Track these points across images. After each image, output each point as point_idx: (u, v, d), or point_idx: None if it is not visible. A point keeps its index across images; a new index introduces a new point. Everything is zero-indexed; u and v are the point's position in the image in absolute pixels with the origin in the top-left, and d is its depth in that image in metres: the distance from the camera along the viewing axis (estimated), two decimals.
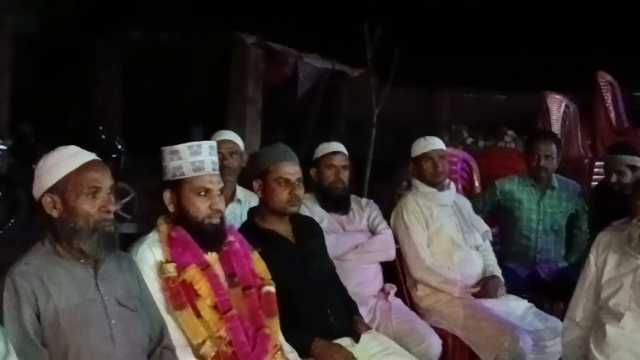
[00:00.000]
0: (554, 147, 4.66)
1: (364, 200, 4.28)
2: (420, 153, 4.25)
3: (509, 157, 7.01)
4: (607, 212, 4.45)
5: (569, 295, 3.04)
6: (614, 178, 4.46)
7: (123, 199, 7.76)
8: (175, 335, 2.61)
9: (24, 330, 2.23)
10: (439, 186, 4.24)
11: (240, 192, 4.18)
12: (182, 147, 2.75)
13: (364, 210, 4.15)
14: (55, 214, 2.38)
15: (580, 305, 2.89)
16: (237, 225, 3.23)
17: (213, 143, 2.85)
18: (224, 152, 4.10)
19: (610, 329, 2.66)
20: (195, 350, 2.61)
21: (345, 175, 4.02)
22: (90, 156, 2.44)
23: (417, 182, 4.29)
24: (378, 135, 7.12)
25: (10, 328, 2.20)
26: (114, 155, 8.58)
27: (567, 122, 8.22)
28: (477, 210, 4.53)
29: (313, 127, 11.49)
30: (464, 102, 11.23)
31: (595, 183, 6.20)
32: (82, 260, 2.39)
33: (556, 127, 8.00)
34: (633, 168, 4.42)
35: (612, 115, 8.33)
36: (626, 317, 2.64)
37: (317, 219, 3.69)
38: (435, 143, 4.25)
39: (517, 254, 4.71)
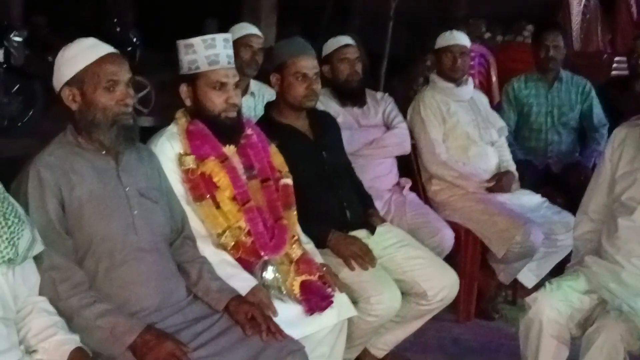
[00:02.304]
0: (560, 37, 4.70)
1: (379, 94, 4.26)
2: (442, 46, 4.21)
3: (528, 52, 6.91)
4: (621, 107, 4.56)
5: (581, 190, 3.06)
6: None
7: (139, 92, 7.74)
8: (195, 225, 2.66)
9: (49, 219, 2.27)
10: (457, 82, 4.22)
11: (254, 85, 4.17)
12: (197, 41, 2.72)
13: (379, 105, 4.14)
14: (74, 106, 2.38)
15: (593, 200, 2.92)
16: (254, 119, 3.25)
17: (228, 36, 2.81)
18: (255, 47, 4.07)
19: (622, 222, 2.70)
20: (215, 240, 2.67)
21: (359, 68, 3.99)
22: (108, 49, 2.41)
23: (435, 77, 4.27)
24: (394, 30, 7.00)
25: (36, 217, 2.24)
26: (128, 48, 8.52)
27: (587, 17, 8.05)
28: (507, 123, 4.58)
29: (328, 21, 11.30)
30: None
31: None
32: (103, 152, 2.41)
33: (576, 22, 7.86)
34: None
35: (634, 9, 8.13)
36: (638, 210, 2.67)
37: (332, 114, 3.69)
38: (459, 38, 4.21)
39: (529, 149, 4.73)
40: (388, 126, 4.09)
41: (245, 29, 4.15)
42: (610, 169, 2.83)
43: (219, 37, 2.74)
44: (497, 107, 4.96)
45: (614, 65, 6.44)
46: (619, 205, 2.75)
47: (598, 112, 4.72)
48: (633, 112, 4.53)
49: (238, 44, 3.86)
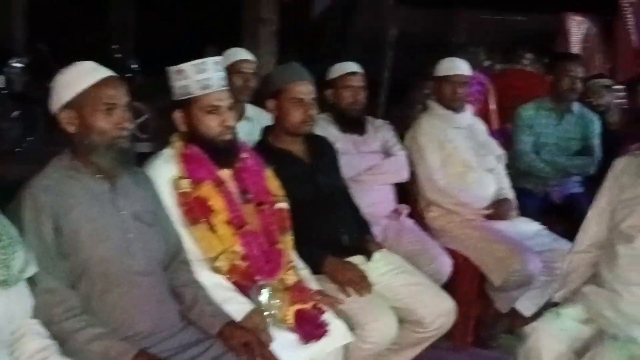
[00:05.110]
0: (581, 68, 4.66)
1: (378, 122, 4.25)
2: (443, 74, 4.20)
3: (527, 79, 6.93)
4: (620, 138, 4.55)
5: (579, 219, 3.04)
6: None
7: (138, 118, 7.75)
8: (191, 249, 2.65)
9: (44, 242, 2.27)
10: (456, 110, 4.22)
11: (251, 109, 4.16)
12: (187, 66, 2.72)
13: (378, 132, 4.13)
14: (72, 129, 2.39)
15: (590, 231, 2.91)
16: (250, 143, 3.24)
17: (218, 58, 2.81)
18: (247, 73, 4.06)
19: (621, 250, 2.67)
20: (210, 264, 2.65)
21: (362, 96, 3.99)
22: (106, 72, 2.42)
23: (433, 104, 4.27)
24: (394, 57, 7.03)
25: (31, 240, 2.24)
26: (128, 75, 8.55)
27: (587, 45, 8.08)
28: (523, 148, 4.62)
29: (328, 47, 11.35)
30: (481, 24, 11.00)
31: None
32: (99, 175, 2.41)
33: (575, 50, 7.88)
34: None
35: (634, 37, 8.15)
36: (638, 239, 2.66)
37: (331, 139, 3.69)
38: (460, 68, 4.20)
39: (529, 177, 4.69)
40: (387, 153, 4.09)
41: (236, 54, 4.14)
42: (610, 198, 2.82)
43: (210, 61, 2.74)
44: (499, 134, 4.96)
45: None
46: (618, 233, 2.73)
47: (597, 144, 4.69)
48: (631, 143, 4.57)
49: (230, 71, 3.83)
